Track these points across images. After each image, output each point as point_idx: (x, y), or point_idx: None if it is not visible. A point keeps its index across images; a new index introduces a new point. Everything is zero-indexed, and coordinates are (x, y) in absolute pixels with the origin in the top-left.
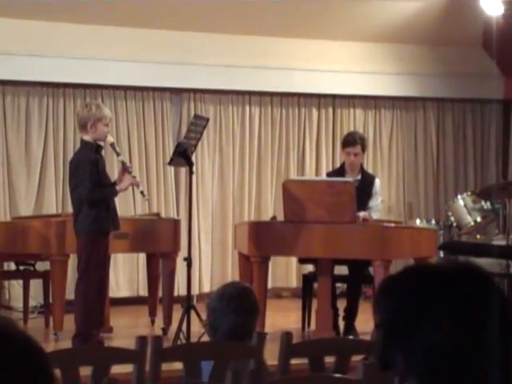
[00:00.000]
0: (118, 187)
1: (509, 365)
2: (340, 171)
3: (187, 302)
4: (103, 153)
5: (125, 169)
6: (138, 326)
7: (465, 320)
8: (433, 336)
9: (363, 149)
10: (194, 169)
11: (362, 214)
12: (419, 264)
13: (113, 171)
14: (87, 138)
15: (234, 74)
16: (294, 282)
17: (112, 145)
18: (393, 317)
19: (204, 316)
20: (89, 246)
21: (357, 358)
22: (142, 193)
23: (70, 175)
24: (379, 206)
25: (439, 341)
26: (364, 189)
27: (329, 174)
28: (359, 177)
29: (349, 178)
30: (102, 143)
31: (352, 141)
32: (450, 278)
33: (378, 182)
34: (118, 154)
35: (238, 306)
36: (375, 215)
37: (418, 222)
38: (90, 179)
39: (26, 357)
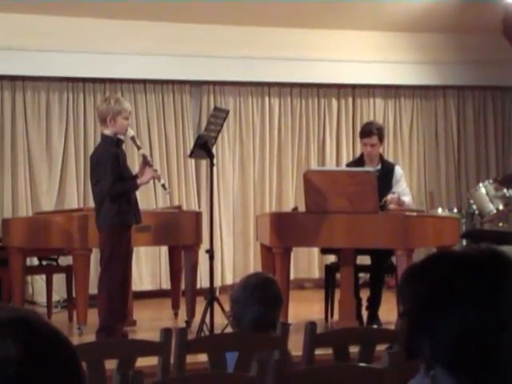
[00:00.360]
0: (139, 181)
1: None
2: (359, 161)
3: (210, 294)
4: (124, 146)
5: (146, 162)
6: (161, 318)
7: (490, 306)
8: (458, 323)
9: (380, 139)
10: (215, 161)
11: (390, 196)
12: (442, 251)
13: (134, 165)
14: (107, 132)
15: (253, 66)
16: (317, 272)
17: (132, 138)
18: (417, 305)
19: (227, 308)
20: (111, 239)
21: (381, 348)
22: (163, 186)
23: (91, 170)
24: (407, 190)
25: (465, 328)
26: (385, 178)
27: (348, 165)
28: (379, 166)
29: (369, 168)
30: (122, 137)
31: (368, 131)
32: (473, 265)
33: (398, 168)
34: (138, 148)
35: (262, 296)
36: (407, 198)
37: (440, 210)
38: (112, 173)
39: (55, 349)
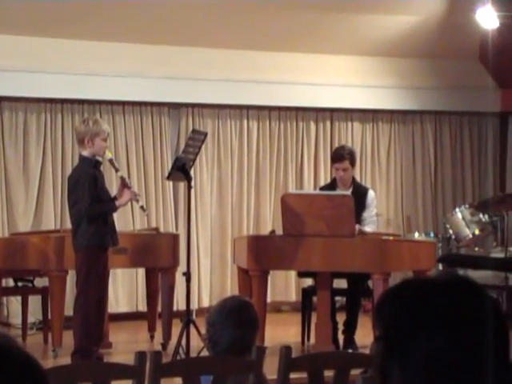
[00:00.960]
0: (117, 202)
1: (505, 375)
2: (332, 185)
3: (186, 317)
4: (102, 168)
5: (124, 184)
6: (137, 341)
7: (461, 332)
8: (427, 348)
9: (352, 163)
10: (193, 183)
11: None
12: (416, 277)
13: (112, 186)
14: (85, 153)
15: (232, 89)
16: (294, 295)
17: (110, 160)
18: (391, 330)
19: (203, 330)
20: (88, 261)
21: (356, 372)
22: (142, 207)
23: (68, 191)
24: (373, 218)
25: (434, 353)
26: (357, 201)
27: (322, 188)
28: (351, 190)
29: (346, 192)
30: (100, 158)
31: (339, 156)
32: (443, 291)
33: (371, 193)
34: (116, 170)
35: (238, 320)
36: (368, 227)
37: (416, 234)
38: (89, 195)
39: (24, 375)
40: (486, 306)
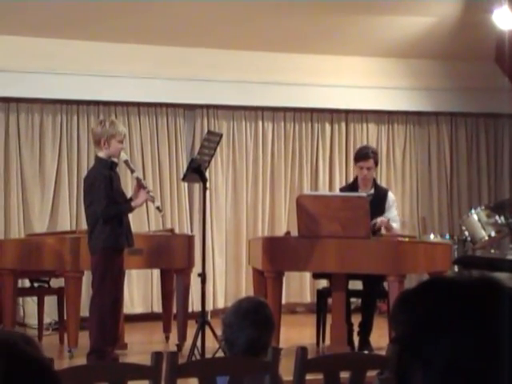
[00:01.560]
0: (133, 203)
1: None
2: (353, 186)
3: (201, 318)
4: (118, 169)
5: (140, 185)
6: (152, 342)
7: (482, 333)
8: (450, 350)
9: (376, 163)
10: (208, 185)
11: (379, 219)
12: (436, 277)
13: (127, 188)
14: (101, 154)
15: (247, 90)
16: (309, 297)
17: (126, 162)
18: (410, 331)
19: (218, 332)
20: (103, 262)
21: (372, 374)
22: (158, 208)
23: (84, 192)
24: (397, 218)
25: (457, 354)
26: (377, 203)
27: (342, 189)
28: (372, 191)
29: (362, 193)
30: (116, 160)
31: (365, 155)
32: (467, 291)
33: (391, 195)
34: (132, 171)
35: (254, 321)
36: (396, 224)
37: (432, 236)
38: (105, 196)
39: (35, 376)
40: (510, 306)
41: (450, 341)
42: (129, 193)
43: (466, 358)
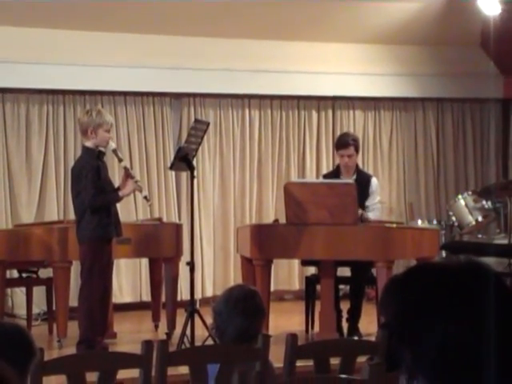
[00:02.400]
0: (120, 193)
1: None
2: (335, 173)
3: (191, 306)
4: (105, 159)
5: (128, 174)
6: (141, 331)
7: (471, 317)
8: (440, 334)
9: (357, 150)
10: (195, 173)
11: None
12: (423, 263)
13: (115, 177)
14: (89, 144)
15: (234, 78)
16: (297, 284)
17: (114, 151)
18: (399, 317)
19: (208, 320)
20: (92, 252)
21: (362, 359)
22: (145, 197)
23: (71, 182)
24: (377, 205)
25: (447, 339)
26: (360, 189)
27: (325, 176)
28: (354, 177)
29: (348, 180)
30: (103, 149)
31: (344, 143)
32: (455, 275)
33: (374, 180)
34: (120, 160)
35: (245, 309)
36: (372, 214)
37: (419, 222)
38: (93, 185)
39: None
40: (497, 289)
41: (437, 325)
42: (116, 182)
43: (454, 341)
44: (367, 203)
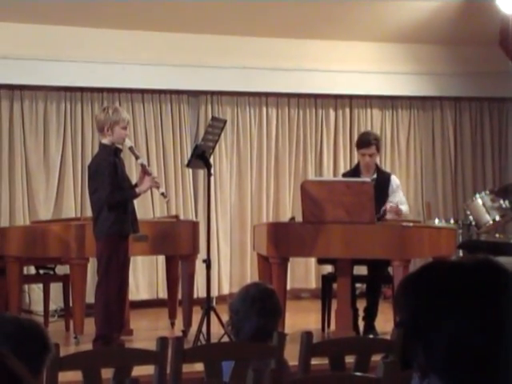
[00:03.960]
0: (137, 190)
1: None
2: (355, 172)
3: (207, 304)
4: (122, 156)
5: (145, 171)
6: (158, 328)
7: (484, 315)
8: (453, 332)
9: (378, 149)
10: (212, 171)
11: (389, 205)
12: (437, 261)
13: (132, 174)
14: (105, 141)
15: (251, 76)
16: (314, 282)
17: (130, 148)
18: (413, 315)
19: (224, 318)
20: (108, 249)
21: (377, 358)
22: (162, 194)
23: (88, 179)
24: (403, 200)
25: (459, 337)
26: (380, 188)
27: (344, 175)
28: (375, 176)
29: (366, 178)
30: (120, 146)
31: (366, 142)
32: (467, 274)
33: (394, 178)
34: (136, 158)
35: (262, 308)
36: (404, 207)
37: (436, 221)
38: (110, 182)
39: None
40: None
41: (451, 323)
42: (134, 179)
43: (467, 339)
44: (394, 199)
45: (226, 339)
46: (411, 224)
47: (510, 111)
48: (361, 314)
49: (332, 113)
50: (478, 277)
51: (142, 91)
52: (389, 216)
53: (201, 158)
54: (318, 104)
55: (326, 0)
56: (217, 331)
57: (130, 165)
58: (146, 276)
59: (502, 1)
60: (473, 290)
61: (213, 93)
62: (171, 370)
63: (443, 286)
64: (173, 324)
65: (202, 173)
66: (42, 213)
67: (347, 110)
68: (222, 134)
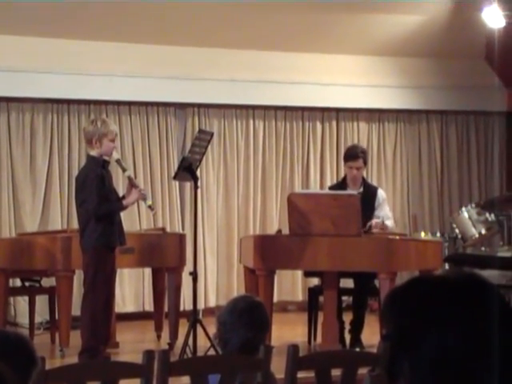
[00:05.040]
0: (125, 202)
1: None
2: (342, 185)
3: (193, 317)
4: (110, 168)
5: (132, 184)
6: (144, 341)
7: (469, 330)
8: (438, 346)
9: (365, 162)
10: (199, 183)
11: (374, 221)
12: (423, 275)
13: (119, 186)
14: (93, 153)
15: (238, 89)
16: (300, 295)
17: (118, 161)
18: (399, 328)
19: (210, 330)
20: (95, 261)
21: (363, 371)
22: (149, 207)
23: (76, 190)
24: (389, 214)
25: (444, 351)
26: (367, 201)
27: (331, 188)
28: (361, 189)
29: (353, 191)
30: (108, 158)
31: (354, 155)
32: (452, 288)
33: (381, 192)
34: (124, 170)
35: (249, 321)
36: (390, 222)
37: (422, 234)
38: (97, 194)
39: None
40: (496, 304)
41: (436, 336)
42: (121, 192)
43: (453, 352)
44: (379, 213)
45: (212, 352)
46: (397, 237)
47: (495, 125)
48: (347, 326)
49: (319, 125)
50: (462, 291)
51: (129, 103)
52: (374, 231)
53: (188, 170)
54: (305, 117)
55: (313, 13)
56: (203, 344)
57: (118, 178)
58: (132, 288)
59: (487, 15)
60: (458, 304)
61: (200, 105)
62: (157, 383)
63: (429, 299)
64: (159, 337)
65: (188, 185)
66: (28, 225)
67: (334, 123)
68: (209, 147)
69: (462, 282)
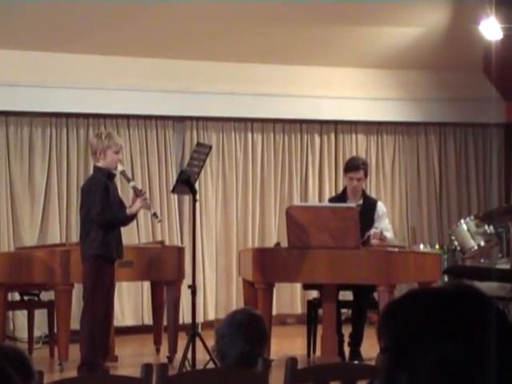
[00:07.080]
0: (128, 210)
1: None
2: (342, 197)
3: (192, 330)
4: (116, 181)
5: (136, 194)
6: (143, 354)
7: (466, 343)
8: (435, 359)
9: (366, 174)
10: (198, 196)
11: (373, 230)
12: (420, 288)
13: (126, 199)
14: (99, 164)
15: (236, 102)
16: (299, 308)
17: (122, 172)
18: (396, 341)
19: (209, 343)
20: (94, 272)
21: None
22: (154, 214)
23: (81, 200)
24: (389, 227)
25: (442, 364)
26: (366, 213)
27: (331, 200)
28: (361, 202)
29: (351, 204)
30: (114, 171)
31: (355, 166)
32: (449, 301)
33: (380, 204)
34: (128, 181)
35: (248, 334)
36: (389, 234)
37: (421, 246)
38: (101, 201)
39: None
40: (494, 316)
41: (434, 349)
42: (128, 204)
43: (451, 366)
44: (379, 226)
45: (211, 365)
46: (396, 249)
47: (493, 137)
48: (346, 339)
49: (317, 138)
50: (460, 304)
51: (127, 117)
52: (373, 241)
53: (186, 183)
54: (304, 129)
55: (310, 26)
56: (202, 357)
57: (126, 190)
58: (131, 302)
59: (485, 27)
60: (455, 317)
61: (198, 118)
62: None
63: (426, 312)
64: (158, 350)
65: (187, 198)
66: (26, 239)
67: (332, 136)
68: (208, 160)
69: (460, 294)
